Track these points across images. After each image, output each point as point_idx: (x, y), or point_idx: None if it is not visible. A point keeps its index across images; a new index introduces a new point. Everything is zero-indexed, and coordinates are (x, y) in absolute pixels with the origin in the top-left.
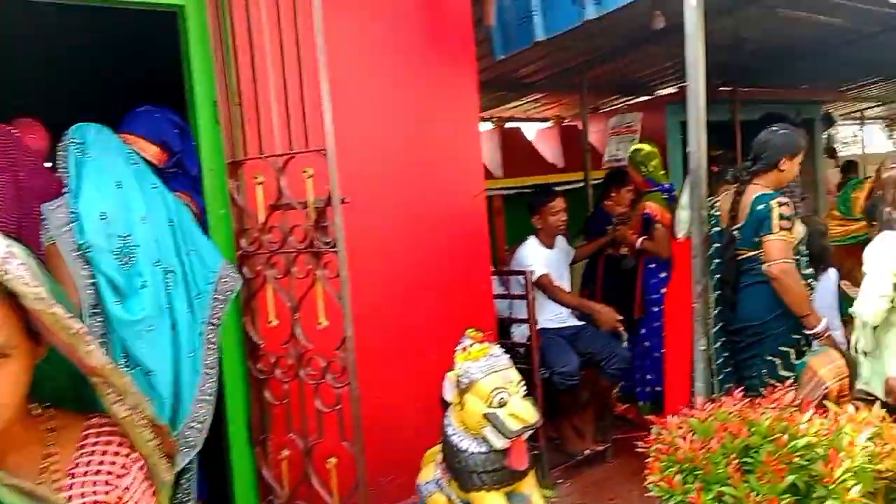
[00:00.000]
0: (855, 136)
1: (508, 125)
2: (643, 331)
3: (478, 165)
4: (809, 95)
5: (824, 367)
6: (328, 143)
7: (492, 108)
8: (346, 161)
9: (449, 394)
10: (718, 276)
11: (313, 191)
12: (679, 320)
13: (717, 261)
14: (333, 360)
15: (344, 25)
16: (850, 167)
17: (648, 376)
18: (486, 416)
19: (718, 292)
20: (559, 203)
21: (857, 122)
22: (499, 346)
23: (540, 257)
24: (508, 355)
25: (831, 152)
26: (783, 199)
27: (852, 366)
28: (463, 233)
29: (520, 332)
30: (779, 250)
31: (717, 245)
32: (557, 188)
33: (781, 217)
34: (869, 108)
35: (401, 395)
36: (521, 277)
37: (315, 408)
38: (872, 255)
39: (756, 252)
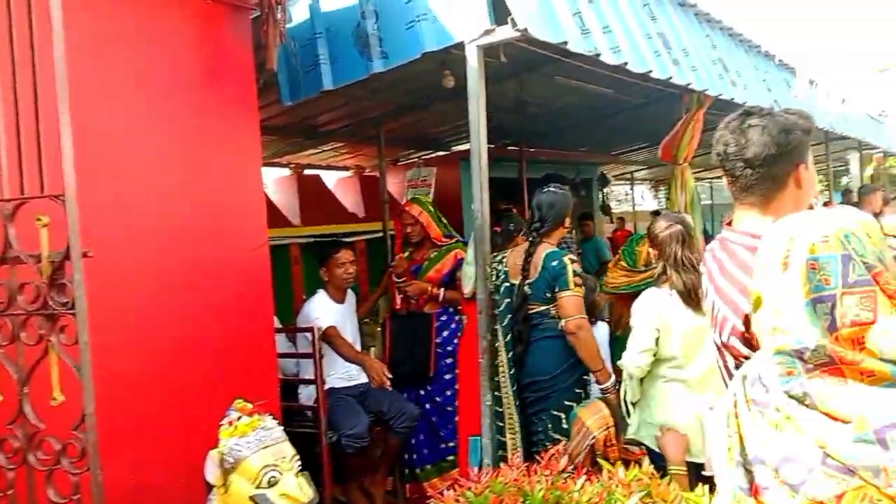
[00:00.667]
0: (627, 194)
1: (308, 172)
2: (434, 385)
3: (260, 215)
4: (587, 157)
5: (591, 417)
6: (67, 188)
7: (289, 154)
8: (93, 209)
9: (211, 475)
10: (511, 332)
11: (49, 243)
12: (472, 375)
13: (509, 316)
14: (71, 442)
15: (100, 58)
16: (619, 222)
17: (442, 432)
18: (253, 498)
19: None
20: (346, 255)
21: (629, 182)
22: (283, 410)
23: (329, 312)
24: (294, 419)
25: (606, 209)
26: (573, 256)
27: (618, 416)
28: (243, 287)
29: (307, 394)
30: (575, 306)
31: (509, 300)
32: (357, 238)
33: (575, 273)
34: (637, 170)
35: (162, 477)
36: (308, 334)
37: (48, 498)
38: (637, 310)
39: (547, 307)
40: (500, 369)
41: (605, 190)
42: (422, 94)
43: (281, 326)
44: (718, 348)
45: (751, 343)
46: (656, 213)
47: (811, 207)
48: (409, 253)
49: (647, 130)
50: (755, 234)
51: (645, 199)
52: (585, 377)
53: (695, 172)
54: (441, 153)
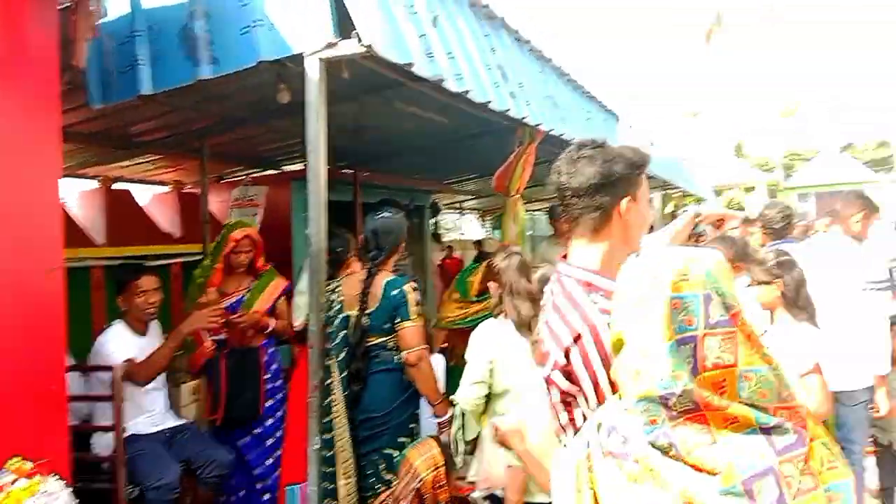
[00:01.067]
0: (455, 223)
1: (118, 186)
2: (262, 428)
3: (56, 232)
4: (421, 185)
5: (419, 457)
6: None
7: (99, 164)
8: None
9: None
10: (348, 369)
11: None
12: (300, 415)
13: (345, 350)
14: None
15: None
16: (448, 250)
17: (264, 482)
18: None
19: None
20: (147, 282)
21: (458, 211)
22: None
23: (127, 346)
24: (88, 474)
25: (437, 237)
26: (414, 284)
27: (449, 454)
28: (29, 317)
29: (104, 443)
30: (416, 336)
31: (344, 333)
32: (172, 261)
33: (416, 302)
34: (467, 199)
35: None
36: (104, 374)
37: None
38: (473, 342)
39: (385, 338)
40: (335, 408)
41: (436, 218)
42: (254, 107)
43: (75, 363)
44: (545, 382)
45: (571, 377)
46: (478, 243)
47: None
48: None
49: (479, 161)
50: (584, 267)
51: (473, 228)
52: (417, 412)
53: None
54: (271, 172)
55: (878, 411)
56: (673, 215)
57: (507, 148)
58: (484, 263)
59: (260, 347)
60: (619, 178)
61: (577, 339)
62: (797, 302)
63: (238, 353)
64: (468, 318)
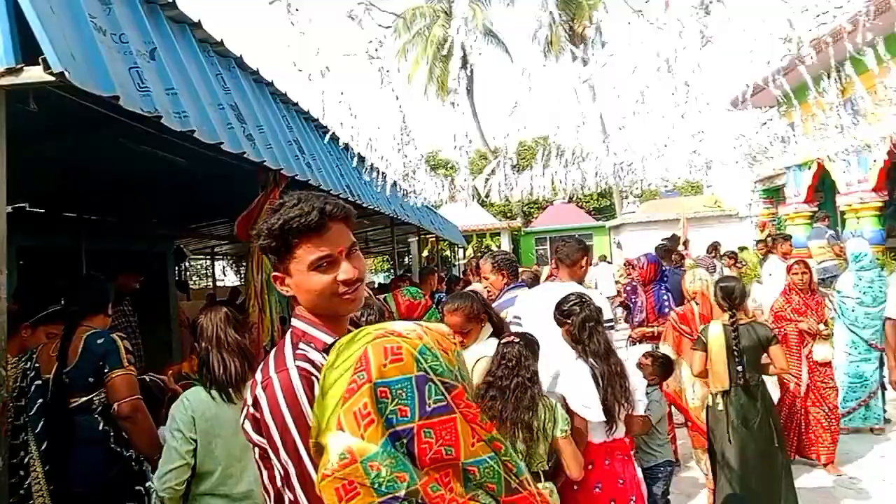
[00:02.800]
0: (207, 269)
1: None
2: None
3: None
4: (161, 230)
5: None
6: None
7: None
8: None
9: None
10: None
11: None
12: None
13: (41, 421)
14: None
15: None
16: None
17: None
18: None
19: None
20: None
21: (209, 257)
22: None
23: None
24: None
25: (183, 286)
26: (122, 334)
27: None
28: None
29: None
30: (129, 386)
31: (42, 401)
32: None
33: (127, 351)
34: (219, 245)
35: None
36: None
37: None
38: (172, 414)
39: (90, 396)
40: (35, 486)
41: (182, 265)
42: None
43: None
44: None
45: (259, 428)
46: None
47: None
48: None
49: (228, 205)
50: (303, 316)
51: (227, 274)
52: (139, 487)
53: None
54: None
55: None
56: (428, 259)
57: (253, 192)
58: None
59: None
60: (293, 228)
61: (265, 385)
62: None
63: None
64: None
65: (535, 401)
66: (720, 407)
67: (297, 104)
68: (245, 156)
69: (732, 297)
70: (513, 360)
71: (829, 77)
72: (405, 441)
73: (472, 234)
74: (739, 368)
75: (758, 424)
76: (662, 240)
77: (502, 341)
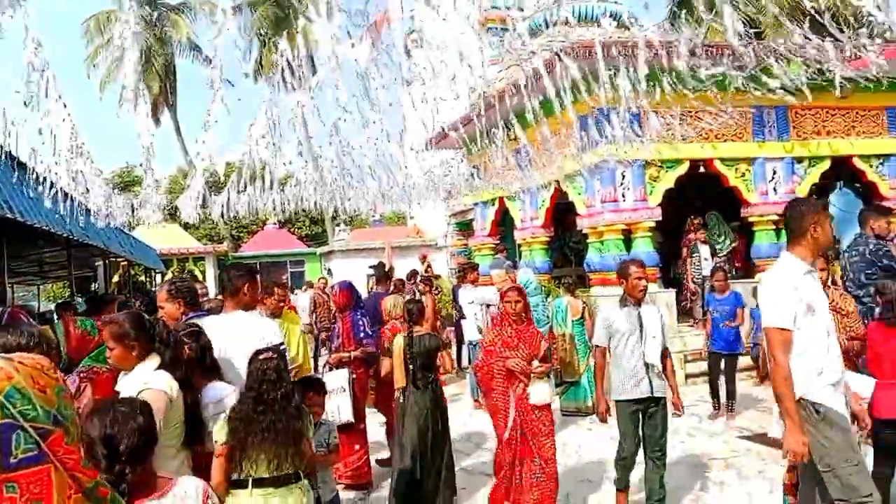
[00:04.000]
0: None
1: None
2: None
3: None
4: None
5: None
6: None
7: None
8: None
9: None
10: None
11: None
12: None
13: None
14: None
15: None
16: None
17: None
18: None
19: None
20: None
21: None
22: None
23: None
24: None
25: None
26: None
27: None
28: None
29: None
30: None
31: None
32: None
33: None
34: None
35: None
36: None
37: None
38: None
39: None
40: None
41: None
42: None
43: None
44: None
45: None
46: None
47: None
48: None
49: None
50: None
51: None
52: None
53: None
54: None
55: None
56: (119, 284)
57: None
58: None
59: None
60: None
61: None
62: (203, 363)
63: None
64: None
65: (299, 409)
66: (401, 400)
67: None
68: None
69: (412, 314)
70: (274, 373)
71: (506, 127)
72: None
73: (173, 258)
74: (412, 368)
75: (429, 414)
76: (370, 266)
77: (260, 357)
